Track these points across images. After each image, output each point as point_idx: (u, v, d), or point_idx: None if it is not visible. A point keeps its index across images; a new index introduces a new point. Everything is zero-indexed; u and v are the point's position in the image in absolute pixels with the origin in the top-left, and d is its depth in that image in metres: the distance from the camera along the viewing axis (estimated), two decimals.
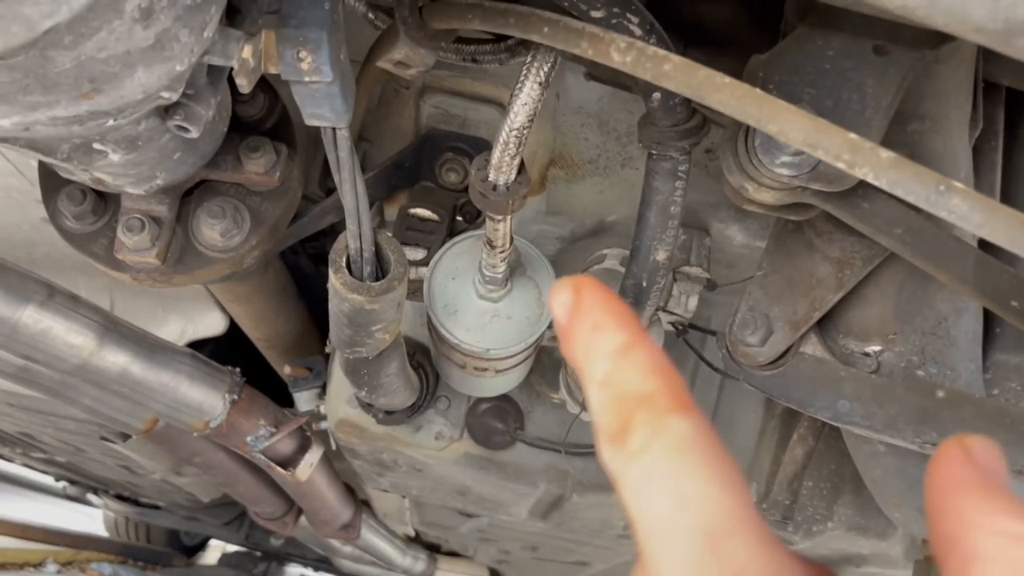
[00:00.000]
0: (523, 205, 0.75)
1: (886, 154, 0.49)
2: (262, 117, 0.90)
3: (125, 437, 1.54)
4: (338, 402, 1.24)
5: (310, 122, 0.60)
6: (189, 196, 0.88)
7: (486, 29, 0.66)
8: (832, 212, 0.66)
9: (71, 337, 0.83)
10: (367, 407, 1.18)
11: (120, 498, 3.83)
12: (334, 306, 0.76)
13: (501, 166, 0.70)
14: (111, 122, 0.53)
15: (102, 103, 0.49)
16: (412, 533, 2.49)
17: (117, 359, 0.89)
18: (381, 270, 0.74)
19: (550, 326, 0.91)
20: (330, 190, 1.15)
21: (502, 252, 0.82)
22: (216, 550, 5.63)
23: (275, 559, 5.09)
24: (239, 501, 1.61)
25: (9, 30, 0.40)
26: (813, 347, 0.79)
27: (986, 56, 0.73)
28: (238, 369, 1.09)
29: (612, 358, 0.37)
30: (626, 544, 1.71)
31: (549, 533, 1.70)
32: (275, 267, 1.31)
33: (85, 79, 0.46)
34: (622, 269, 1.00)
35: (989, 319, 0.80)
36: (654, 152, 0.69)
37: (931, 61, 0.70)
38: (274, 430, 1.14)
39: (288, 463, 1.22)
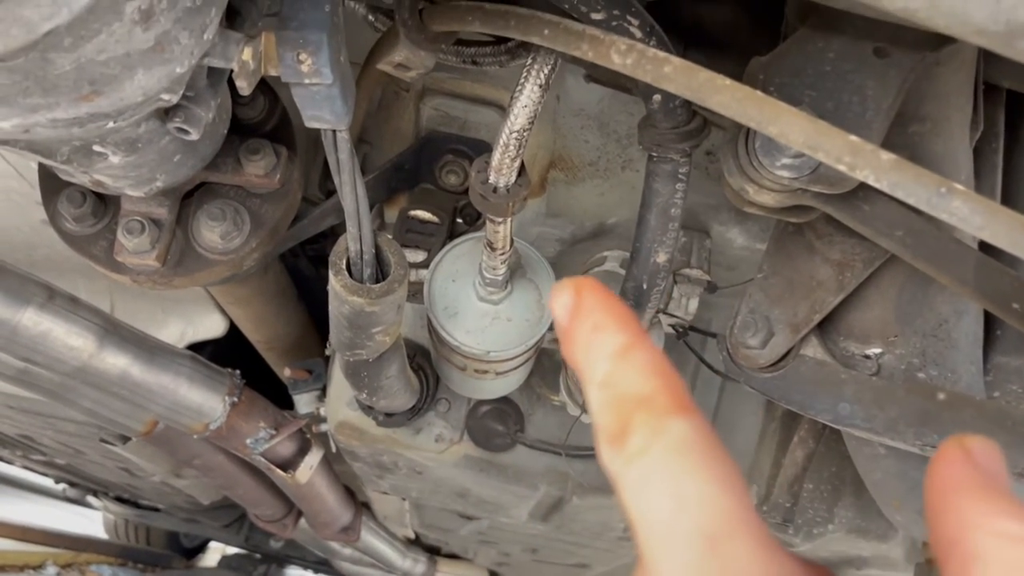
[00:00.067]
0: (523, 207, 0.75)
1: (887, 156, 0.49)
2: (262, 119, 0.90)
3: (125, 439, 1.54)
4: (338, 404, 1.24)
5: (310, 124, 0.60)
6: (189, 198, 0.88)
7: (486, 31, 0.66)
8: (833, 214, 0.66)
9: (71, 339, 0.83)
10: (367, 409, 1.18)
11: (120, 500, 3.83)
12: (334, 308, 0.76)
13: (501, 168, 0.70)
14: (111, 124, 0.53)
15: (102, 105, 0.49)
16: (412, 535, 2.49)
17: (117, 361, 0.89)
18: (381, 272, 0.74)
19: (550, 328, 0.91)
20: (330, 192, 1.15)
21: (502, 254, 0.82)
22: (216, 552, 5.62)
23: (275, 561, 5.09)
24: (239, 503, 1.61)
25: (9, 32, 0.40)
26: (814, 349, 0.79)
27: (986, 58, 0.73)
28: (238, 371, 1.09)
29: (612, 359, 0.37)
30: (626, 546, 1.71)
31: (549, 535, 1.70)
32: (275, 269, 1.31)
33: (85, 81, 0.46)
34: (622, 271, 1.00)
35: (990, 321, 0.80)
36: (654, 154, 0.69)
37: (932, 63, 0.70)
38: (274, 432, 1.14)
39: (288, 465, 1.22)
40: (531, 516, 1.46)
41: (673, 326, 1.00)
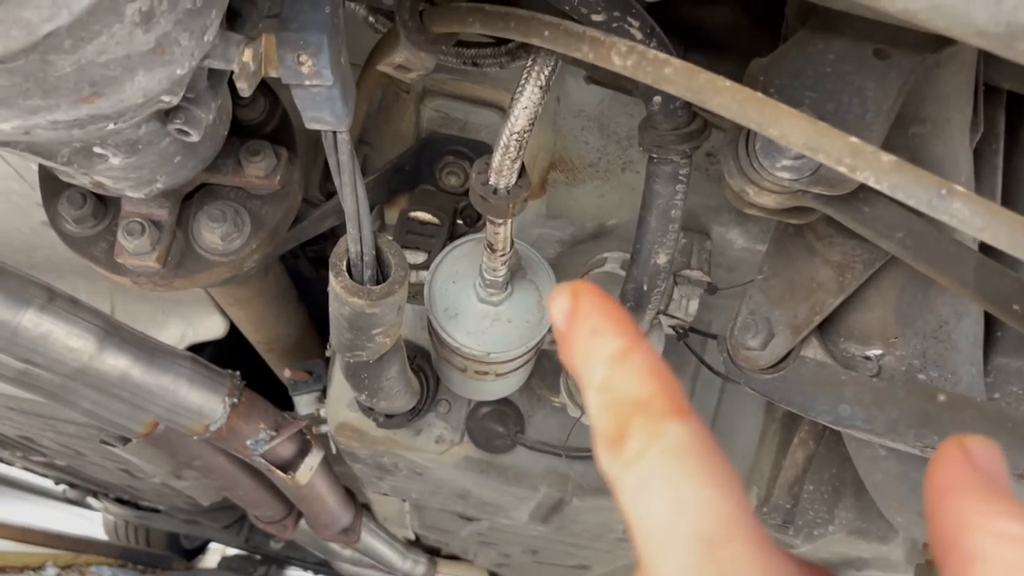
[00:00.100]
0: (524, 209, 0.75)
1: (887, 158, 0.49)
2: (262, 121, 0.90)
3: (125, 441, 1.54)
4: (338, 406, 1.24)
5: (310, 126, 0.60)
6: (189, 200, 0.88)
7: (487, 33, 0.66)
8: (833, 216, 0.66)
9: (71, 341, 0.83)
10: (367, 411, 1.18)
11: (120, 501, 3.82)
12: (334, 310, 0.76)
13: (502, 170, 0.70)
14: (111, 126, 0.53)
15: (102, 107, 0.49)
16: (412, 537, 2.49)
17: (117, 363, 0.89)
18: (382, 274, 0.74)
19: (550, 330, 0.91)
20: (330, 194, 1.15)
21: (503, 256, 0.82)
22: (216, 553, 5.62)
23: (275, 562, 5.09)
24: (239, 505, 1.61)
25: (9, 34, 0.40)
26: (814, 351, 0.79)
27: (987, 59, 0.73)
28: (238, 372, 1.09)
29: (609, 363, 0.37)
30: (626, 548, 1.71)
31: (549, 537, 1.70)
32: (275, 271, 1.31)
33: (85, 83, 0.46)
34: (623, 273, 1.00)
35: (990, 323, 0.80)
36: (655, 156, 0.69)
37: (932, 65, 0.70)
38: (274, 434, 1.14)
39: (288, 467, 1.22)
40: (531, 517, 1.46)
41: (673, 327, 1.00)
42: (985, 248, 0.56)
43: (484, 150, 1.04)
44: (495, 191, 0.72)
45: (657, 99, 0.65)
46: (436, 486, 1.40)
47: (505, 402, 1.20)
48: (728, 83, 0.52)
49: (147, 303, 1.45)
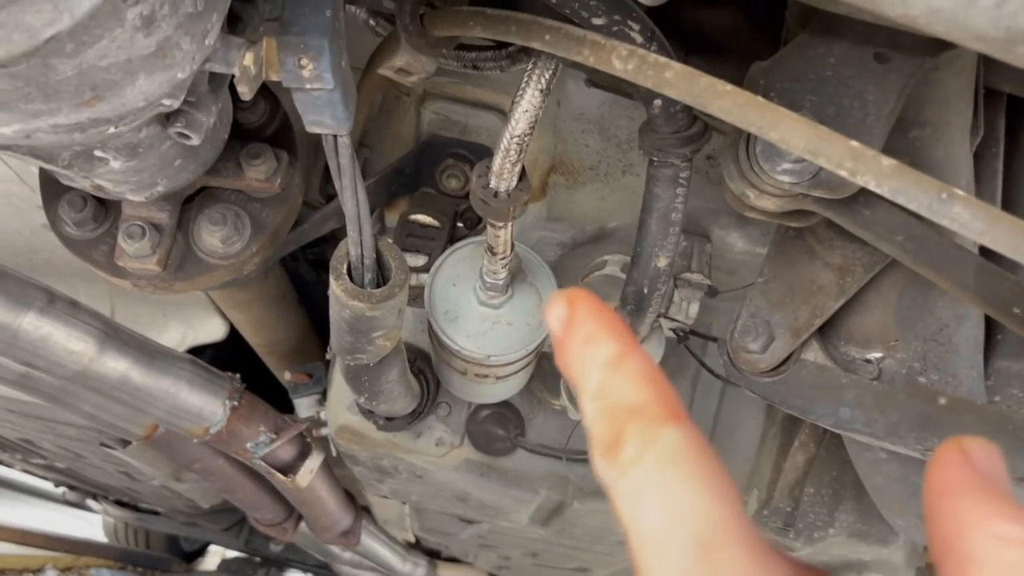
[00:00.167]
0: (524, 212, 0.75)
1: (887, 162, 0.49)
2: (263, 124, 0.90)
3: (125, 443, 1.53)
4: (338, 408, 1.24)
5: (311, 129, 0.60)
6: (190, 203, 0.88)
7: (488, 36, 0.66)
8: (833, 219, 0.66)
9: (71, 343, 0.83)
10: (367, 413, 1.18)
11: (119, 504, 3.82)
12: (335, 312, 0.76)
13: (502, 173, 0.70)
14: (112, 129, 0.53)
15: (103, 110, 0.49)
16: (412, 539, 2.49)
17: (117, 365, 0.89)
18: (382, 276, 0.74)
19: None
20: (331, 196, 1.15)
21: (503, 258, 0.82)
22: (215, 556, 5.61)
23: (275, 565, 5.08)
24: (239, 507, 1.61)
25: (11, 38, 0.40)
26: (814, 354, 0.79)
27: (986, 63, 0.74)
28: (238, 375, 1.09)
29: (604, 370, 0.37)
30: (626, 550, 1.71)
31: (550, 539, 1.70)
32: (276, 273, 1.31)
33: (87, 87, 0.46)
34: (623, 276, 1.00)
35: (990, 326, 0.80)
36: (655, 159, 0.69)
37: (932, 68, 0.70)
38: (274, 436, 1.14)
39: (288, 469, 1.22)
40: (531, 520, 1.46)
41: (674, 330, 1.00)
42: (985, 251, 0.56)
43: (484, 153, 1.04)
44: (495, 194, 0.72)
45: (657, 102, 0.65)
46: (436, 489, 1.40)
47: (505, 405, 1.20)
48: (729, 87, 0.52)
49: (147, 306, 1.45)
